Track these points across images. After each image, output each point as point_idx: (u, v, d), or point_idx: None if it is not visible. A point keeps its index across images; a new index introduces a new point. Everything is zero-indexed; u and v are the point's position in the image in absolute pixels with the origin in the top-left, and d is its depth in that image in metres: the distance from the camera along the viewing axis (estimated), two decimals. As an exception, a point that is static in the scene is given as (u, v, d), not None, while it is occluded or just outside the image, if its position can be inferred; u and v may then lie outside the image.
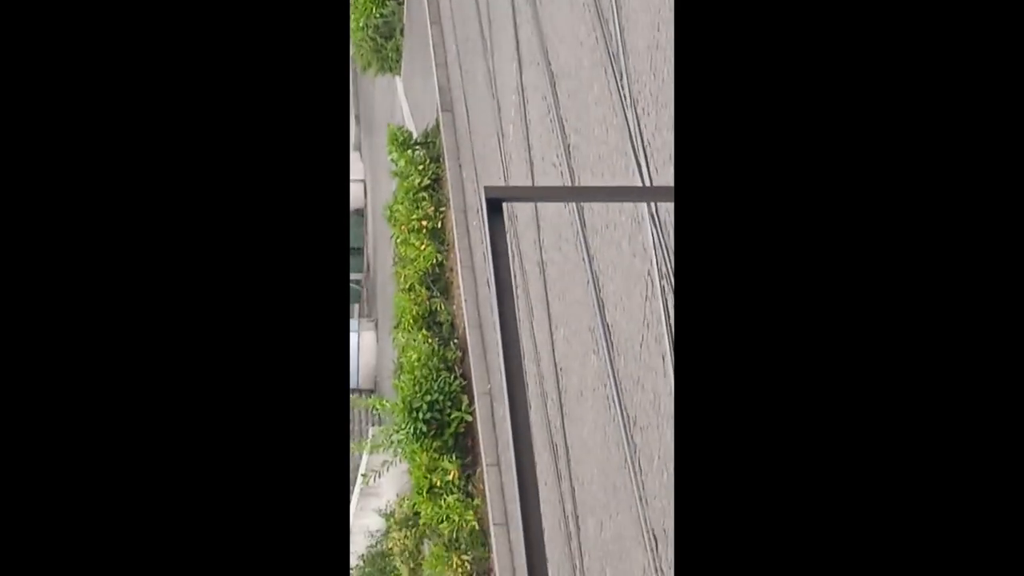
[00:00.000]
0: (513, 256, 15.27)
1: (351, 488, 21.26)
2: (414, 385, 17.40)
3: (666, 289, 10.42)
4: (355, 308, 28.82)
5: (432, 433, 17.29)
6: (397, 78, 24.16)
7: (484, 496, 16.66)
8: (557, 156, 13.85)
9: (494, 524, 16.23)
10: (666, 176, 10.50)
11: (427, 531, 17.64)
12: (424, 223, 19.38)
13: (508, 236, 12.91)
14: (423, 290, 18.92)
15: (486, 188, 4.59)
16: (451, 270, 19.11)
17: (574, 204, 13.19)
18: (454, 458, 17.17)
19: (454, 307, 18.76)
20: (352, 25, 23.94)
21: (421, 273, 19.04)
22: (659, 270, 10.54)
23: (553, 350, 14.20)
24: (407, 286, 19.11)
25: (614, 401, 11.86)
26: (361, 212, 29.77)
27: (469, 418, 17.28)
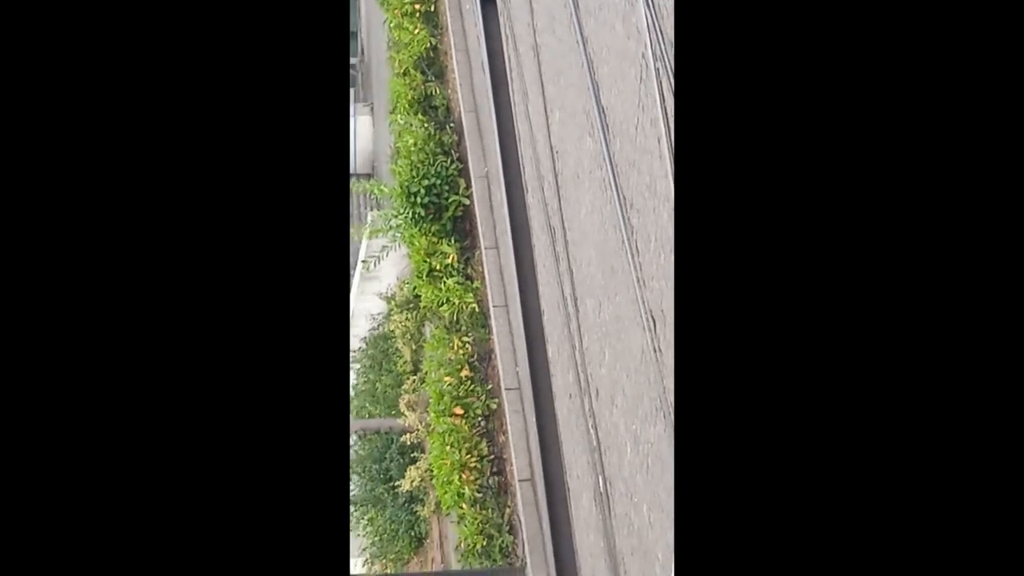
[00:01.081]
0: (507, 40, 15.13)
1: (351, 273, 21.35)
2: (411, 170, 17.32)
3: (660, 71, 10.34)
4: (351, 92, 28.64)
5: (430, 217, 17.27)
6: None
7: (483, 279, 16.74)
8: (550, -63, 13.64)
9: (494, 306, 16.31)
10: (659, -44, 10.35)
11: (428, 314, 17.75)
12: (417, 7, 19.13)
13: (501, 20, 12.74)
14: (418, 75, 18.74)
15: (478, -24, 4.53)
16: (445, 54, 18.93)
17: (567, -14, 13.03)
18: (453, 241, 17.22)
19: (449, 91, 18.61)
20: None
21: (415, 57, 18.84)
22: (653, 52, 10.45)
23: (549, 133, 14.17)
24: (402, 71, 18.92)
25: (610, 184, 11.86)
26: (354, -4, 29.40)
27: (467, 201, 17.26)
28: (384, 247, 18.91)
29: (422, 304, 17.72)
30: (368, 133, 24.11)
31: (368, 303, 20.16)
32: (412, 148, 17.54)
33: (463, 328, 16.87)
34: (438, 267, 17.16)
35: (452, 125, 18.14)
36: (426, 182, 17.25)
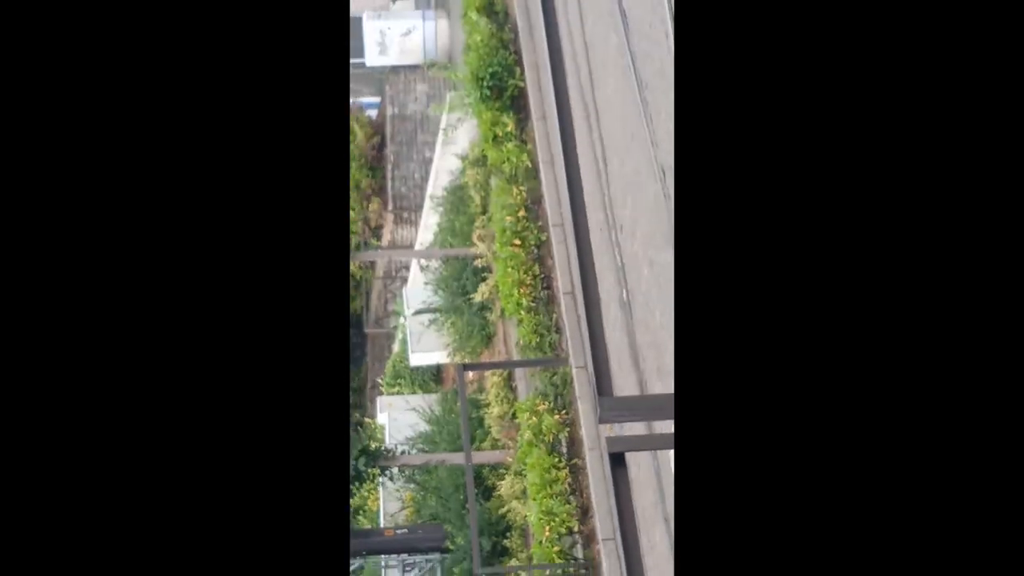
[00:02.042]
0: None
1: (435, 141, 21.41)
2: (479, 60, 17.40)
3: (667, -16, 10.47)
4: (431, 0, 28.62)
5: (494, 96, 17.35)
6: None
7: (534, 143, 16.85)
8: None
9: (542, 163, 16.41)
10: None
11: (493, 169, 17.89)
12: (483, -71, 18.92)
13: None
14: (483, -15, 18.71)
15: None
16: (504, -32, 18.77)
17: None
18: (511, 115, 17.30)
19: (506, -2, 18.63)
20: None
21: (479, -26, 18.73)
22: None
23: (584, 31, 14.24)
24: (470, -17, 18.89)
25: (630, 69, 11.94)
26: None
27: (521, 84, 17.34)
28: (459, 119, 19.13)
29: (488, 162, 17.84)
30: (446, 32, 24.21)
31: (448, 162, 20.38)
32: (479, 44, 17.58)
33: (519, 180, 16.95)
34: (500, 134, 17.23)
35: (510, 25, 18.15)
36: (490, 70, 17.29)
